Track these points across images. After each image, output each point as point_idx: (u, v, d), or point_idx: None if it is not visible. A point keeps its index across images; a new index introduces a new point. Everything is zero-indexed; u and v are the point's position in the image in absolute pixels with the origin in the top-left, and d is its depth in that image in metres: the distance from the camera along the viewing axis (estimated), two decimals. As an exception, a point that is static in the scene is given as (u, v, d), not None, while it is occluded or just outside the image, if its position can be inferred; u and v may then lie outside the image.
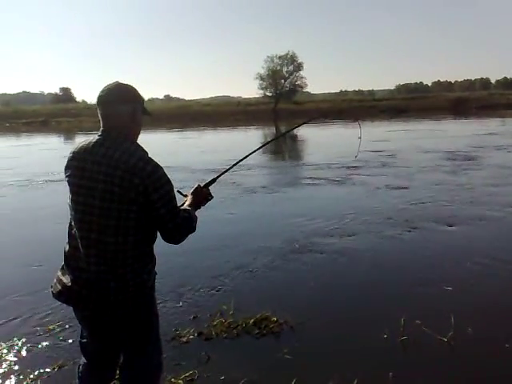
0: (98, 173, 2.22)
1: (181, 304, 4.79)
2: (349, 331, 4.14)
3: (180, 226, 2.36)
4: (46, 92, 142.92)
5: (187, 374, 3.47)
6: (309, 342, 3.97)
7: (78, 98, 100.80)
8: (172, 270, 5.75)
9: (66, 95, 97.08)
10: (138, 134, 2.43)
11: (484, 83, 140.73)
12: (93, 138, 2.34)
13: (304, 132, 33.01)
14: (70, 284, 2.31)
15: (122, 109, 2.31)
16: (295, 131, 31.69)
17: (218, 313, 4.47)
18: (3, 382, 3.53)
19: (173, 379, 3.40)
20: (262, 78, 77.42)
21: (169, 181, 2.30)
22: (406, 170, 13.23)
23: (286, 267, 5.80)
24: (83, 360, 2.65)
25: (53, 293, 2.41)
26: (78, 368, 2.68)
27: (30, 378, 3.55)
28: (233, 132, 38.51)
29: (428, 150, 17.75)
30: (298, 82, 79.36)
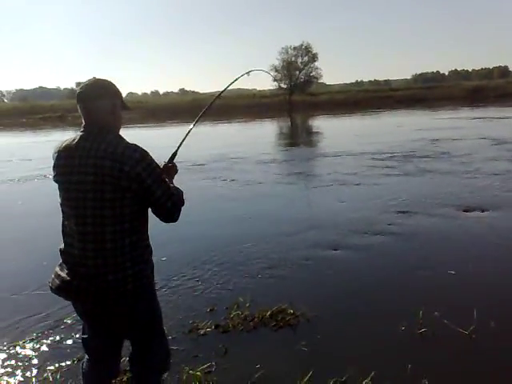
0: (87, 166, 2.25)
1: (197, 296, 4.82)
2: (366, 324, 4.13)
3: (176, 203, 2.42)
4: (62, 87, 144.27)
5: (205, 366, 3.50)
6: (325, 334, 3.96)
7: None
8: (188, 261, 5.80)
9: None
10: (119, 127, 2.47)
11: (502, 71, 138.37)
12: (76, 135, 2.38)
13: (330, 123, 32.85)
14: (68, 278, 2.33)
15: (102, 104, 2.35)
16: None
17: (235, 305, 4.48)
18: (23, 374, 3.59)
19: (191, 371, 3.42)
20: (276, 70, 76.98)
21: (157, 164, 2.38)
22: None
23: (301, 260, 5.79)
24: (86, 357, 2.68)
25: (51, 288, 2.42)
26: (82, 365, 2.71)
27: (49, 371, 3.60)
28: (249, 124, 38.48)
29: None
30: (313, 73, 78.69)
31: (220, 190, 10.58)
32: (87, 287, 2.29)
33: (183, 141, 3.04)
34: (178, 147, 3.00)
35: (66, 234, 2.40)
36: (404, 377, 3.32)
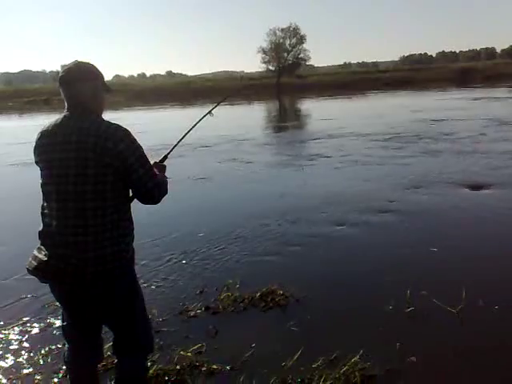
0: (70, 142, 2.26)
1: (187, 278, 4.84)
2: (354, 303, 4.18)
3: (159, 184, 2.43)
4: (47, 70, 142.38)
5: (196, 347, 3.52)
6: (314, 314, 4.00)
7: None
8: (177, 243, 5.83)
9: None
10: (102, 109, 2.49)
11: (489, 53, 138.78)
12: (60, 116, 2.39)
13: (320, 105, 32.78)
14: (45, 259, 2.31)
15: (83, 86, 2.36)
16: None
17: (225, 287, 4.51)
18: (15, 358, 3.59)
19: (182, 352, 3.44)
20: (264, 52, 76.64)
21: (140, 144, 2.37)
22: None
23: (290, 241, 5.82)
24: (67, 345, 2.66)
25: (28, 269, 2.39)
26: (64, 354, 2.69)
27: (40, 354, 3.61)
28: (237, 107, 38.28)
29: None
30: (302, 55, 78.54)
31: (227, 169, 10.56)
32: (65, 266, 2.27)
33: (176, 145, 3.08)
34: (171, 150, 3.03)
35: (45, 214, 2.38)
36: (392, 354, 3.36)
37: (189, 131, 3.28)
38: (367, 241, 5.76)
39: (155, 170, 2.62)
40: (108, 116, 2.41)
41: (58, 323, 4.01)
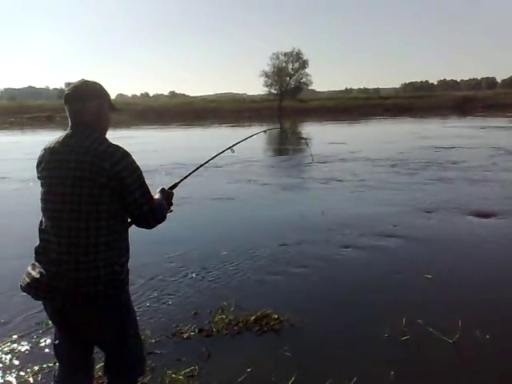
0: (69, 161, 2.28)
1: (181, 300, 4.80)
2: (349, 330, 4.14)
3: (154, 209, 2.43)
4: (51, 87, 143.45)
5: (188, 370, 3.48)
6: (309, 339, 3.97)
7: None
8: (171, 265, 5.78)
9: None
10: (106, 128, 2.51)
11: (490, 82, 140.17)
12: (63, 133, 2.41)
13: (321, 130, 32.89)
14: (38, 276, 2.30)
15: (88, 106, 2.39)
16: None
17: (219, 309, 4.47)
18: (5, 376, 3.55)
19: (173, 375, 3.41)
20: (267, 75, 77.32)
21: (138, 166, 2.38)
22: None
23: (287, 265, 5.79)
24: (58, 364, 2.63)
25: (21, 286, 2.39)
26: (54, 373, 2.66)
27: (30, 372, 3.56)
28: (239, 129, 38.49)
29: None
30: (304, 80, 79.23)
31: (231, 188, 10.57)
32: (57, 285, 2.26)
33: (189, 175, 3.14)
34: (183, 179, 3.07)
35: (42, 230, 2.38)
36: (386, 383, 3.32)
37: (206, 162, 3.35)
38: (366, 266, 5.74)
39: (159, 195, 2.65)
40: (114, 134, 2.43)
41: (49, 341, 3.97)
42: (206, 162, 3.37)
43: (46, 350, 3.88)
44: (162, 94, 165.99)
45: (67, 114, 2.41)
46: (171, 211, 2.79)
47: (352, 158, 15.92)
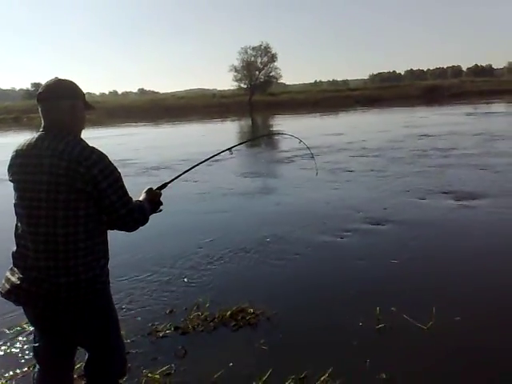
0: (43, 165, 2.22)
1: (156, 298, 4.77)
2: (324, 321, 4.18)
3: (133, 211, 2.37)
4: (17, 88, 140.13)
5: (164, 369, 3.47)
6: (285, 332, 3.99)
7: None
8: (145, 262, 5.75)
9: (37, 91, 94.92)
10: (81, 128, 2.45)
11: (455, 71, 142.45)
12: (35, 134, 2.35)
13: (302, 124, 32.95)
14: (18, 282, 2.27)
15: (61, 105, 2.33)
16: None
17: (195, 306, 4.46)
18: (-23, 383, 3.48)
19: (149, 374, 3.39)
20: (236, 70, 76.99)
21: (116, 169, 2.32)
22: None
23: (261, 259, 5.82)
24: (37, 366, 2.60)
25: (1, 293, 2.36)
26: (33, 375, 2.62)
27: (4, 378, 3.50)
28: (210, 124, 38.31)
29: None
30: (273, 73, 79.06)
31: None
32: (37, 291, 2.23)
33: (179, 176, 3.08)
34: (173, 179, 3.01)
35: (18, 235, 2.34)
36: (362, 372, 3.37)
37: (199, 164, 3.27)
38: (340, 256, 5.80)
39: (143, 196, 2.62)
40: (92, 133, 2.37)
41: (25, 346, 3.92)
42: (202, 163, 3.30)
43: (20, 355, 3.82)
44: (130, 92, 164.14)
45: (40, 114, 2.34)
46: (160, 211, 2.75)
47: (352, 148, 16.05)
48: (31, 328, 4.11)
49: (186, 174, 3.19)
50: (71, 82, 2.42)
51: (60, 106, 2.32)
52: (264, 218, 7.78)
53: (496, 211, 7.39)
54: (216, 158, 3.54)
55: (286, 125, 31.63)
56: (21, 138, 2.38)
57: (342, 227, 6.92)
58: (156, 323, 4.21)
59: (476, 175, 10.32)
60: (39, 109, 2.34)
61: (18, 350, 3.91)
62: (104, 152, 2.32)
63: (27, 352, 3.84)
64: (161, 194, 2.79)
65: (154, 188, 2.79)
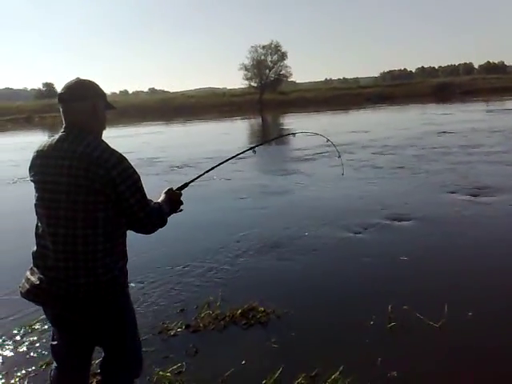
0: (62, 167, 2.22)
1: (168, 297, 4.78)
2: (335, 319, 4.17)
3: (151, 215, 2.37)
4: (29, 88, 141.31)
5: (175, 367, 3.48)
6: (295, 330, 3.98)
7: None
8: (156, 262, 5.76)
9: (49, 90, 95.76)
10: (102, 128, 2.45)
11: (467, 68, 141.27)
12: (56, 135, 2.35)
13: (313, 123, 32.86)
14: (37, 282, 2.28)
15: (82, 105, 2.32)
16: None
17: (206, 304, 4.47)
18: (-10, 382, 3.51)
19: (161, 372, 3.40)
20: (246, 69, 77.08)
21: (135, 171, 2.32)
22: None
23: (274, 257, 5.81)
24: (54, 364, 2.61)
25: (21, 292, 2.37)
26: (50, 373, 2.63)
27: (16, 376, 3.53)
28: (225, 123, 38.34)
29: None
30: (283, 72, 79.08)
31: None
32: (57, 291, 2.25)
33: (200, 176, 3.07)
34: (193, 180, 3.00)
35: (39, 235, 2.35)
36: (373, 370, 3.35)
37: (222, 163, 3.26)
38: (356, 252, 5.80)
39: (163, 197, 2.61)
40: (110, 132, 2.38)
41: (37, 345, 3.97)
42: (223, 163, 3.27)
43: (32, 354, 3.85)
44: (141, 91, 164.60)
45: (61, 115, 2.35)
46: (181, 210, 2.75)
47: (376, 146, 16.02)
48: (43, 327, 4.18)
49: (214, 171, 3.21)
50: (92, 81, 2.41)
51: (81, 107, 2.32)
52: (283, 216, 7.78)
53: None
54: (239, 156, 3.56)
55: (298, 123, 31.56)
56: (32, 138, 2.38)
57: (361, 223, 6.94)
58: (167, 322, 4.22)
59: (499, 172, 10.29)
60: (60, 109, 2.35)
61: (31, 349, 3.94)
62: (124, 154, 2.31)
63: (39, 351, 3.88)
64: (181, 194, 2.77)
65: (175, 188, 2.78)
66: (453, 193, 8.60)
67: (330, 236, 6.49)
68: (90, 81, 2.41)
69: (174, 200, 2.69)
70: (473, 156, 12.55)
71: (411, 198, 8.50)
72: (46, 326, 4.18)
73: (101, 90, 2.43)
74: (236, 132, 29.49)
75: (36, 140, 26.49)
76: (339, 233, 6.61)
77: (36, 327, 4.26)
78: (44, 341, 3.98)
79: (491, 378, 3.28)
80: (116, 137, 24.59)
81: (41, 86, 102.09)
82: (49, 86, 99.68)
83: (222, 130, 31.83)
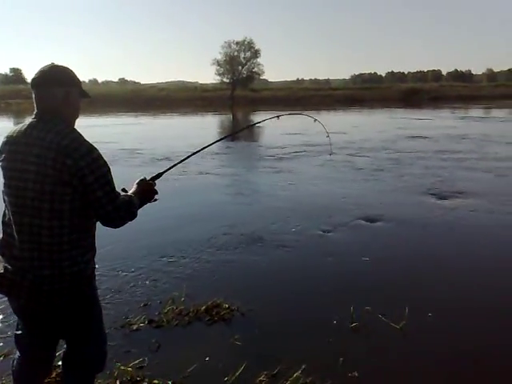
0: (30, 155, 2.16)
1: (131, 291, 4.73)
2: (299, 318, 4.20)
3: (119, 208, 2.29)
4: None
5: (136, 362, 3.45)
6: (259, 328, 4.00)
7: (29, 80, 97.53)
8: (122, 254, 5.70)
9: (16, 76, 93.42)
10: (75, 117, 2.38)
11: (436, 75, 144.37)
12: (27, 121, 2.29)
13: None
14: (2, 271, 2.24)
15: (55, 91, 2.26)
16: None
17: (170, 300, 4.44)
18: None
19: (122, 367, 3.36)
20: (219, 64, 76.68)
21: (105, 163, 2.25)
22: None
23: (239, 254, 5.82)
24: (18, 354, 2.56)
25: None
26: (13, 362, 2.59)
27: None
28: (201, 117, 38.07)
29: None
30: (255, 69, 78.98)
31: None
32: (21, 281, 2.20)
33: (174, 165, 3.00)
34: (167, 169, 2.92)
35: (5, 223, 2.29)
36: (335, 369, 3.40)
37: (196, 152, 3.20)
38: (323, 250, 5.86)
39: (135, 188, 2.56)
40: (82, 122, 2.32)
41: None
42: (198, 151, 3.23)
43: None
44: (111, 81, 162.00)
45: (33, 100, 2.28)
46: (155, 200, 2.70)
47: (354, 147, 16.06)
48: (3, 316, 4.07)
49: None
50: (66, 68, 2.35)
51: (53, 93, 2.25)
52: (256, 212, 7.84)
53: (485, 211, 7.62)
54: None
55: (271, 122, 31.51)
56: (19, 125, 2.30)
57: (333, 222, 7.04)
58: (130, 316, 4.17)
59: (472, 177, 10.59)
60: (33, 94, 2.28)
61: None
62: (94, 145, 2.24)
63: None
64: (154, 184, 2.72)
65: (148, 178, 2.72)
66: (427, 195, 8.83)
67: (302, 233, 6.55)
68: (64, 67, 2.35)
69: (147, 190, 2.63)
70: (446, 161, 12.83)
71: (386, 199, 8.69)
72: (2, 317, 4.09)
73: (76, 77, 2.37)
74: (211, 126, 29.38)
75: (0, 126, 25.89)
76: (311, 230, 6.68)
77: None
78: (2, 331, 3.88)
79: (450, 378, 3.37)
80: (92, 126, 24.18)
81: (7, 71, 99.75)
82: (16, 72, 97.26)
83: (197, 124, 31.64)
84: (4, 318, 4.06)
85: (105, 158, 2.27)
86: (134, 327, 4.00)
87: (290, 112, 4.27)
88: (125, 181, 2.78)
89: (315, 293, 4.72)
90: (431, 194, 8.91)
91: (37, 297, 2.23)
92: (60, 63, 2.34)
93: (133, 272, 5.21)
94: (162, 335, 3.88)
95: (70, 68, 2.37)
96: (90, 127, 22.44)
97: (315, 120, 4.32)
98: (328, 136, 4.24)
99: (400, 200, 8.59)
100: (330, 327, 4.01)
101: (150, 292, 4.70)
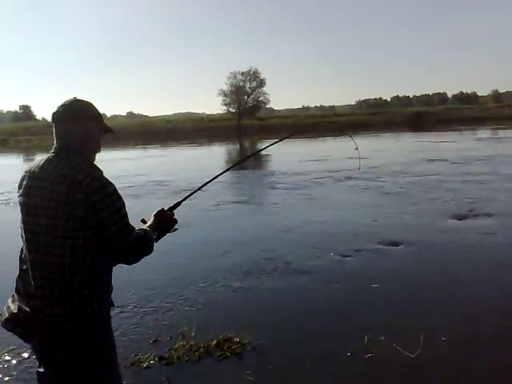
0: (45, 189, 2.13)
1: (141, 328, 4.66)
2: (312, 350, 4.10)
3: (134, 245, 2.22)
4: (5, 110, 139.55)
5: (147, 401, 3.37)
6: (271, 362, 3.90)
7: (39, 116, 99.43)
8: (131, 289, 5.64)
9: (25, 113, 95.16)
10: (94, 151, 2.35)
11: (441, 97, 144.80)
12: (45, 156, 2.28)
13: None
14: (15, 311, 2.19)
15: (74, 126, 2.25)
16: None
17: (180, 335, 4.36)
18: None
19: (132, 407, 3.29)
20: (225, 94, 77.80)
21: (119, 197, 2.19)
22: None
23: (249, 287, 5.74)
24: None
25: (1, 321, 2.26)
26: None
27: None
28: (212, 147, 38.31)
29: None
30: (261, 98, 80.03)
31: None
32: (32, 322, 2.14)
33: (192, 194, 2.96)
34: (185, 198, 2.87)
35: (22, 260, 2.26)
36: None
37: (214, 179, 3.17)
38: (334, 279, 5.77)
39: (151, 221, 2.51)
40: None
41: (14, 372, 3.79)
42: (212, 180, 3.19)
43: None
44: (119, 115, 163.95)
45: (53, 134, 2.27)
46: (176, 230, 2.66)
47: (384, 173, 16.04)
48: (11, 357, 4.03)
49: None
50: (86, 102, 2.34)
51: (72, 128, 2.24)
52: (268, 238, 7.77)
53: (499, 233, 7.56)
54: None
55: (283, 148, 31.58)
56: (3, 161, 2.30)
57: (351, 248, 7.00)
58: (140, 353, 4.10)
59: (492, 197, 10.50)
60: (53, 129, 2.28)
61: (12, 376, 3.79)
62: (110, 180, 2.19)
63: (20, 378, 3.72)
64: (173, 214, 2.67)
65: (166, 208, 2.68)
66: (451, 218, 8.80)
67: (315, 261, 6.48)
68: (85, 101, 2.34)
69: (165, 221, 2.59)
70: (469, 184, 12.75)
71: (410, 222, 8.68)
72: (12, 356, 4.04)
73: (96, 111, 2.35)
74: (224, 156, 29.60)
75: (6, 163, 26.13)
76: (325, 258, 6.62)
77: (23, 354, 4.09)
78: (12, 371, 3.83)
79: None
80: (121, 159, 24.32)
81: (17, 109, 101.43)
82: (25, 109, 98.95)
83: (210, 154, 31.82)
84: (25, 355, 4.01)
85: (119, 192, 2.21)
86: (144, 365, 3.92)
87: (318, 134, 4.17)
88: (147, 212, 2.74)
89: (327, 323, 4.62)
90: (454, 217, 8.84)
91: (48, 338, 2.16)
92: (67, 98, 2.34)
93: (143, 306, 5.16)
94: (172, 372, 3.80)
95: (91, 102, 2.35)
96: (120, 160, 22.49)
97: (348, 135, 4.26)
98: (357, 149, 4.18)
99: (424, 223, 8.53)
100: (344, 359, 3.91)
101: (159, 328, 4.62)
